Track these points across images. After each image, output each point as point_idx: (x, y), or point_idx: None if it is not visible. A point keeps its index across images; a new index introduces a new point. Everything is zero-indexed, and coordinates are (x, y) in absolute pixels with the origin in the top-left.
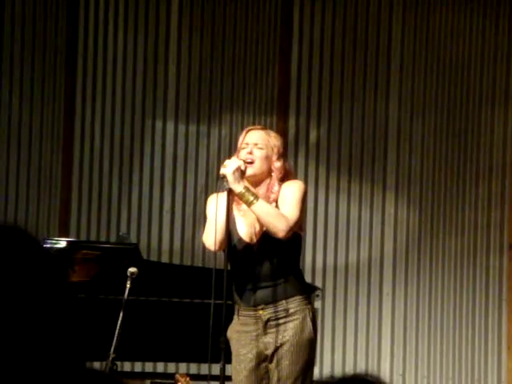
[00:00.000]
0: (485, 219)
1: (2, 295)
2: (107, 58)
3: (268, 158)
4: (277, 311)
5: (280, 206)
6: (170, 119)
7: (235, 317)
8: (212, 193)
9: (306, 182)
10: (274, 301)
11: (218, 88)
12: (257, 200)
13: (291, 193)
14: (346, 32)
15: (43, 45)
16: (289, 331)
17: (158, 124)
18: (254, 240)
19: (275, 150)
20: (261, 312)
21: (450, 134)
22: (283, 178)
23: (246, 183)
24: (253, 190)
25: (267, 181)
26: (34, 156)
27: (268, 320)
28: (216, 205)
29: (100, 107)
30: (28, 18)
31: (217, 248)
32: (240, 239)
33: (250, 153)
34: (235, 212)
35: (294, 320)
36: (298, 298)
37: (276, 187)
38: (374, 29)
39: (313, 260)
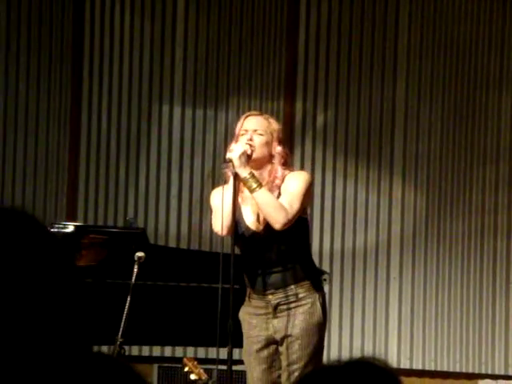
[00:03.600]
0: (492, 202)
1: (9, 280)
2: (114, 41)
3: (268, 144)
4: (286, 296)
5: (282, 196)
6: (176, 103)
7: (246, 299)
8: (219, 176)
9: (313, 166)
10: (283, 285)
11: (224, 72)
12: (259, 188)
13: (295, 185)
14: (353, 15)
15: (49, 29)
16: (298, 316)
17: (165, 108)
18: (260, 228)
19: (275, 135)
20: (270, 297)
21: (457, 117)
22: (285, 163)
23: (252, 169)
24: (257, 177)
25: (269, 166)
26: (41, 141)
27: (278, 304)
28: (222, 192)
29: (107, 91)
30: (34, 4)
31: (225, 233)
32: (247, 228)
33: (250, 139)
34: (240, 201)
35: (303, 305)
36: (307, 282)
37: (279, 172)
38: (381, 11)
39: (320, 244)
